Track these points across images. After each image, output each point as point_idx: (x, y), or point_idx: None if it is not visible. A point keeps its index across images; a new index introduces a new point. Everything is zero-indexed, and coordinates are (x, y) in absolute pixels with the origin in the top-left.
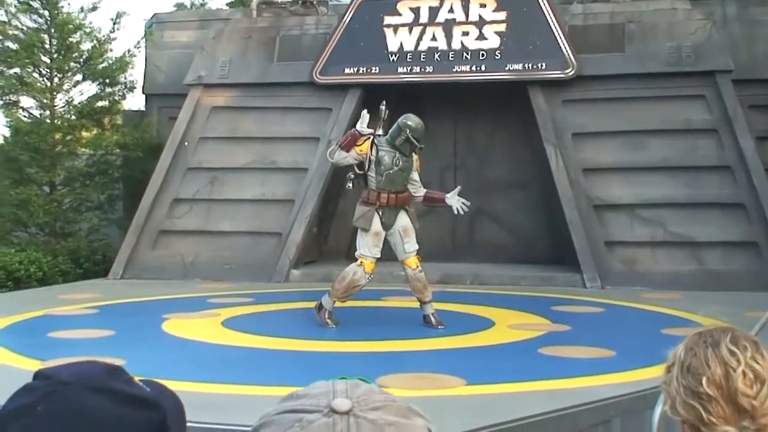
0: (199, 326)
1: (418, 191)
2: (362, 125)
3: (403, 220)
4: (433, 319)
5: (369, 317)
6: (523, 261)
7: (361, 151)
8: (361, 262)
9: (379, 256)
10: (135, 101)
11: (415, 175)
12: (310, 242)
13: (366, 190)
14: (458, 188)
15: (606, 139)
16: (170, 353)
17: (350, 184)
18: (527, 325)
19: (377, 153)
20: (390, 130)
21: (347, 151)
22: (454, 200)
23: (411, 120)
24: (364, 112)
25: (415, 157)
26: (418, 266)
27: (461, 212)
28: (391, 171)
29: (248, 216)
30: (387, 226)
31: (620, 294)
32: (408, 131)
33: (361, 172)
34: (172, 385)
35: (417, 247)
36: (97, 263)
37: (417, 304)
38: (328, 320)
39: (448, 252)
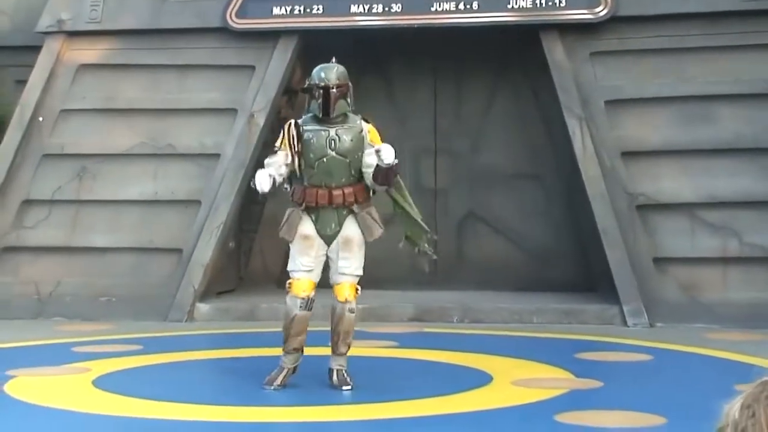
0: (60, 387)
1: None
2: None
3: (348, 228)
4: (336, 377)
5: (315, 372)
6: (536, 287)
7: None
8: (289, 284)
9: (311, 267)
10: None
11: (371, 156)
12: (224, 263)
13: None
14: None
15: (655, 108)
16: (17, 428)
17: (287, 186)
18: (540, 380)
19: (303, 137)
20: None
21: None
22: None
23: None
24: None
25: (366, 127)
26: (349, 300)
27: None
28: (325, 158)
29: (133, 225)
30: (325, 237)
31: (676, 335)
32: (307, 82)
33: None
34: None
35: (360, 272)
36: None
37: (383, 351)
38: (268, 376)
39: (425, 276)
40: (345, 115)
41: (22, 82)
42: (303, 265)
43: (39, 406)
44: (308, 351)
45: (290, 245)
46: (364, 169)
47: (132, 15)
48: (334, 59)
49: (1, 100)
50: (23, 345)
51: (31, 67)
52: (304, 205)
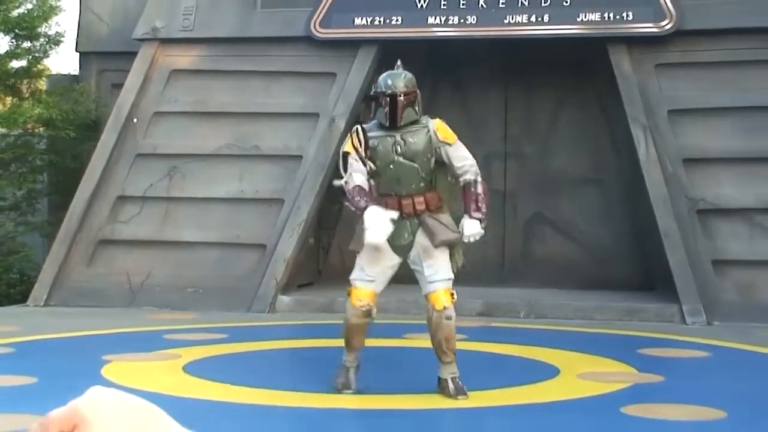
0: (152, 372)
1: (464, 176)
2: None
3: (422, 236)
4: (452, 385)
5: (386, 362)
6: (598, 286)
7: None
8: (348, 291)
9: (374, 278)
10: (65, 61)
11: (454, 151)
12: (304, 258)
13: None
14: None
15: (716, 118)
16: None
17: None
18: (605, 374)
19: (369, 143)
20: None
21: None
22: (469, 229)
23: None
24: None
25: (433, 125)
26: (446, 306)
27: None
28: (392, 164)
29: (220, 221)
30: (398, 248)
31: (733, 333)
32: (373, 89)
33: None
34: None
35: (450, 275)
36: (12, 285)
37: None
38: (338, 380)
39: (494, 273)
40: (412, 122)
41: (118, 86)
42: (366, 275)
43: (134, 389)
44: (378, 342)
45: (357, 254)
46: (454, 163)
47: (222, 24)
48: (399, 62)
49: (99, 102)
50: (118, 332)
51: (127, 71)
52: None
